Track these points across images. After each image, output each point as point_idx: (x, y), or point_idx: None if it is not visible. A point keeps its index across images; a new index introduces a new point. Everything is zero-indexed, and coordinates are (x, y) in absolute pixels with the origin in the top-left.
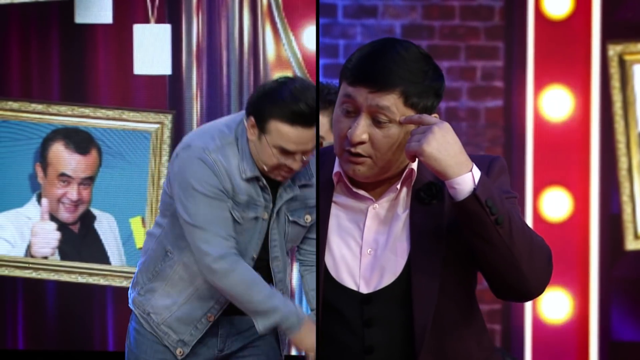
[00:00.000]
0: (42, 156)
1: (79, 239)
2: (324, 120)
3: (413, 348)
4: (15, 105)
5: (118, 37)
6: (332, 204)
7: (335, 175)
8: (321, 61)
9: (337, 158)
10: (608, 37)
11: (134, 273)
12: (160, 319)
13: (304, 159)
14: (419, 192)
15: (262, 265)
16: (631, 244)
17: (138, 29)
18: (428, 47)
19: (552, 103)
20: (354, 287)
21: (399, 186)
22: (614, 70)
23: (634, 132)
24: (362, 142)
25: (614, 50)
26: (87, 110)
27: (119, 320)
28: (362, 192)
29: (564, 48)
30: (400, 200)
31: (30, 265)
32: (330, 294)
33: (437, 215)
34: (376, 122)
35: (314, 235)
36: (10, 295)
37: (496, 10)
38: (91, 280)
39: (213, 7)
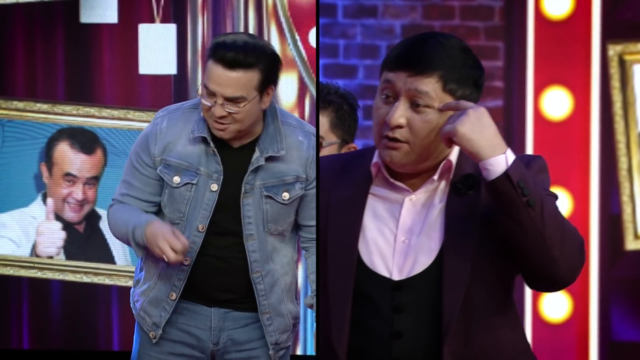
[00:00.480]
0: (47, 156)
1: (84, 239)
2: (323, 120)
3: (439, 334)
4: (20, 104)
5: (123, 36)
6: (369, 196)
7: (374, 166)
8: (321, 61)
9: (376, 151)
10: (608, 37)
11: None
12: (139, 306)
13: (230, 109)
14: (456, 184)
15: (236, 242)
16: (631, 244)
17: (143, 29)
18: None
19: (552, 103)
20: (386, 274)
21: (436, 177)
22: (614, 70)
23: (634, 132)
24: (400, 126)
25: (614, 50)
26: (92, 110)
27: (124, 320)
28: (399, 183)
29: (564, 48)
30: (437, 192)
31: (36, 265)
32: (362, 281)
33: (473, 205)
34: (414, 107)
35: (311, 223)
36: (15, 294)
37: (496, 10)
38: (96, 279)
39: (218, 6)
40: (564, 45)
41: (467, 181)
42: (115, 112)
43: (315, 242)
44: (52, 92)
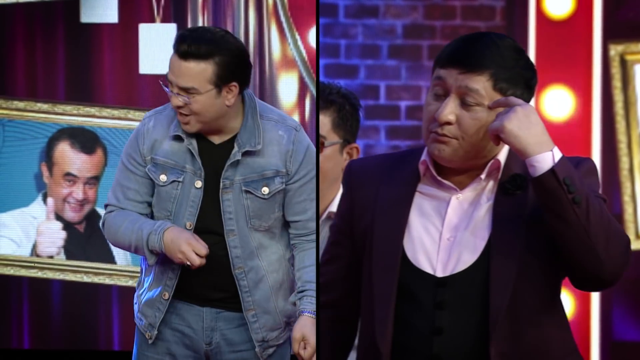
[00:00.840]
0: (47, 155)
1: (85, 239)
2: (325, 120)
3: (482, 332)
4: (21, 104)
5: (123, 36)
6: (416, 194)
7: (422, 163)
8: (323, 61)
9: (424, 149)
10: (609, 37)
11: (139, 272)
12: (137, 308)
13: (185, 99)
14: (504, 184)
15: (221, 239)
16: (633, 244)
17: (143, 29)
18: (429, 47)
19: (553, 103)
20: (430, 271)
21: (483, 176)
22: (616, 70)
23: (635, 132)
24: (449, 123)
25: (615, 50)
26: (92, 110)
27: (124, 320)
28: (446, 181)
29: (565, 48)
30: (484, 192)
31: (36, 265)
32: (405, 277)
33: (520, 204)
34: (464, 104)
35: (297, 218)
36: (16, 294)
37: (497, 10)
38: (96, 279)
39: (218, 6)
40: (565, 45)
41: (515, 181)
42: (116, 112)
43: (302, 237)
44: (52, 91)
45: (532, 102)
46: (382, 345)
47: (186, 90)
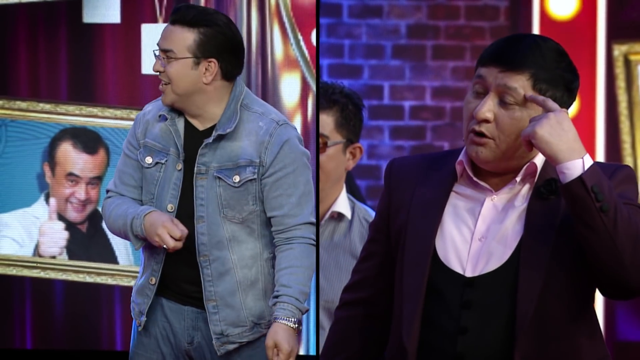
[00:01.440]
0: (50, 156)
1: (87, 239)
2: (328, 119)
3: (507, 334)
4: (23, 104)
5: (126, 36)
6: (452, 193)
7: (459, 164)
8: (326, 61)
9: (462, 150)
10: (613, 37)
11: None
12: (132, 298)
13: (165, 65)
14: (539, 188)
15: (191, 225)
16: None
17: (146, 29)
18: (433, 47)
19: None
20: (459, 271)
21: (518, 179)
22: (620, 70)
23: (639, 132)
24: (487, 121)
25: (619, 50)
26: (95, 110)
27: (127, 320)
28: (482, 182)
29: (569, 48)
30: (520, 195)
31: (38, 265)
32: (435, 277)
33: (553, 209)
34: (503, 103)
35: (274, 213)
36: (18, 294)
37: (501, 10)
38: (99, 279)
39: (221, 6)
40: (569, 45)
41: (550, 185)
42: (118, 112)
43: (280, 235)
44: (55, 92)
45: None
46: (408, 343)
47: (165, 53)
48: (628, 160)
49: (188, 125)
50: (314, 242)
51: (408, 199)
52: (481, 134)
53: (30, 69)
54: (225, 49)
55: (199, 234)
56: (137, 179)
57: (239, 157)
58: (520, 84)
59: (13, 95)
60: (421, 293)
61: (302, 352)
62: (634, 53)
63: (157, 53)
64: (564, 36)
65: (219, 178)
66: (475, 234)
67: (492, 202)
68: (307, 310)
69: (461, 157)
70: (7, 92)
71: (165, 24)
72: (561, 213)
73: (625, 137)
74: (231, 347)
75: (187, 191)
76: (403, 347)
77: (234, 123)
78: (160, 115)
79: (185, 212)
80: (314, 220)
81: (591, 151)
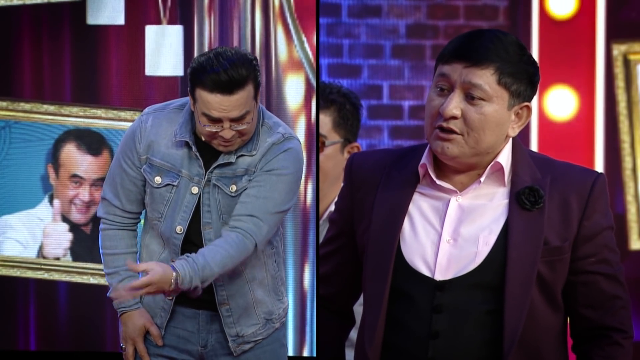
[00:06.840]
0: (54, 157)
1: (91, 240)
2: (326, 119)
3: (479, 337)
4: (27, 106)
5: (130, 38)
6: (415, 194)
7: (422, 167)
8: (326, 61)
9: (425, 151)
10: (612, 36)
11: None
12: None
13: (238, 127)
14: (520, 195)
15: (198, 234)
16: (635, 244)
17: (150, 30)
18: (432, 46)
19: (557, 103)
20: (428, 274)
21: (482, 178)
22: (619, 69)
23: (638, 131)
24: (454, 117)
25: (618, 49)
26: (99, 112)
27: None
28: (445, 184)
29: (568, 48)
30: (487, 193)
31: (42, 266)
32: (402, 280)
33: (538, 224)
34: (469, 99)
35: (242, 199)
36: (22, 296)
37: (501, 10)
38: (103, 281)
39: (225, 8)
40: (568, 45)
41: (533, 196)
42: (122, 114)
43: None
44: (58, 93)
45: (535, 102)
46: (369, 350)
47: (240, 118)
48: (627, 160)
49: (201, 144)
50: (255, 244)
51: (370, 204)
52: (450, 131)
53: (34, 71)
54: (259, 71)
55: (207, 240)
56: (141, 192)
57: (238, 166)
58: (486, 79)
59: (17, 97)
60: (384, 298)
61: (302, 352)
62: (633, 53)
63: (225, 126)
64: (564, 36)
65: (217, 186)
66: (443, 236)
67: (457, 203)
68: (192, 288)
69: (424, 159)
70: (11, 93)
71: (170, 25)
72: (545, 226)
73: (625, 136)
74: (247, 346)
75: (195, 208)
76: (365, 354)
77: (255, 144)
78: (180, 142)
79: (193, 231)
80: (270, 231)
81: (590, 151)
